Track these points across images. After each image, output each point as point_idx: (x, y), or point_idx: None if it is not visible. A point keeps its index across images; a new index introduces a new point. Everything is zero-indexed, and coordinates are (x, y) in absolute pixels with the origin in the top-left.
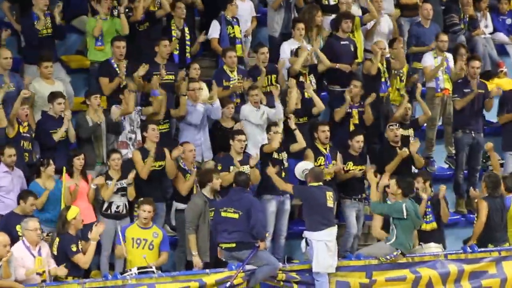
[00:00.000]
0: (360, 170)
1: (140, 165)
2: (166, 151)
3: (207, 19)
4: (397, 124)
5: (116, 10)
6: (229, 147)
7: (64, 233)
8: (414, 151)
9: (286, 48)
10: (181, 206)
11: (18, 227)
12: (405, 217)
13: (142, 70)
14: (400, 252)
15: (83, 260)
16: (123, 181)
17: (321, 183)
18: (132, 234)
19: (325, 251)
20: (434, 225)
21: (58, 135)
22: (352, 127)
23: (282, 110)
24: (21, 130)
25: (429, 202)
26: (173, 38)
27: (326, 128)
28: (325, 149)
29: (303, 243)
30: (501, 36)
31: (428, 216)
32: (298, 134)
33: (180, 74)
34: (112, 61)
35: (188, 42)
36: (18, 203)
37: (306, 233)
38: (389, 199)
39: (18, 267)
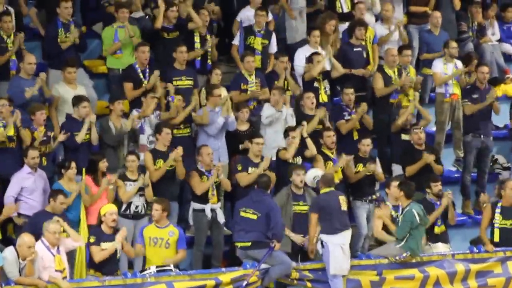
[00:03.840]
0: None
1: (151, 168)
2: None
3: (224, 25)
4: (422, 128)
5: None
6: (243, 150)
7: (96, 226)
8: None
9: (301, 54)
10: (197, 206)
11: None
12: (418, 221)
13: (153, 78)
14: (409, 254)
15: (96, 254)
16: (139, 182)
17: (332, 188)
18: (149, 233)
19: (341, 254)
20: (443, 228)
21: (80, 137)
22: (355, 133)
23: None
24: (35, 136)
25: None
26: (196, 44)
27: (332, 133)
28: (332, 153)
29: (319, 245)
30: (508, 47)
31: (438, 220)
32: (309, 142)
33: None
34: (137, 66)
35: (209, 49)
36: (49, 202)
37: (323, 236)
38: (390, 202)
39: (42, 269)
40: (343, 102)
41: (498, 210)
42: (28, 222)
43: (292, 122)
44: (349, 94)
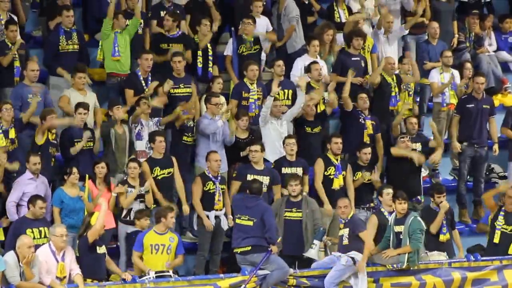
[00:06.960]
0: (368, 180)
1: (148, 176)
2: (174, 159)
3: (219, 33)
4: (408, 137)
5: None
6: (244, 157)
7: (83, 236)
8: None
9: (299, 64)
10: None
11: (28, 231)
12: (425, 227)
13: (167, 86)
14: (407, 263)
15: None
16: (141, 188)
17: None
18: (150, 240)
19: None
20: (448, 236)
21: (75, 149)
22: (366, 138)
23: (304, 97)
24: (49, 137)
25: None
26: (199, 52)
27: (339, 140)
28: (337, 160)
29: (346, 260)
30: (504, 55)
31: (443, 228)
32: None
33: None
34: (139, 73)
35: (210, 57)
36: (28, 208)
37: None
38: (384, 209)
39: (45, 273)
40: (358, 108)
41: (502, 213)
42: (10, 230)
43: (299, 107)
44: (364, 98)
